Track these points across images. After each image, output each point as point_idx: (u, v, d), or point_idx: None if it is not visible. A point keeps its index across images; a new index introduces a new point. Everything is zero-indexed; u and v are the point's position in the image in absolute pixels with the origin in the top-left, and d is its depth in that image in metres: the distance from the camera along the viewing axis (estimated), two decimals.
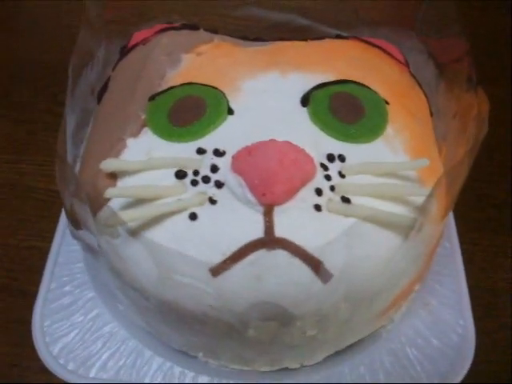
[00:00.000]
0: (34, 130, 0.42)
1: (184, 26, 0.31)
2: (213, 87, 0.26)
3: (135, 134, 0.25)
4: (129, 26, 0.34)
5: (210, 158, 0.23)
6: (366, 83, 0.27)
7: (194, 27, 0.31)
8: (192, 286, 0.22)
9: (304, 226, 0.22)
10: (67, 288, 0.32)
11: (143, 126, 0.26)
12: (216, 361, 0.29)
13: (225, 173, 0.23)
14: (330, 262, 0.22)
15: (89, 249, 0.28)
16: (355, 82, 0.27)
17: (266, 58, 0.28)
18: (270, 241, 0.22)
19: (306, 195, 0.22)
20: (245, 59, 0.28)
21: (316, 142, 0.24)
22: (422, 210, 0.22)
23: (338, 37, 0.31)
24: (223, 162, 0.23)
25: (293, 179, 0.22)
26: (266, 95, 0.26)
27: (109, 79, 0.31)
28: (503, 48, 0.48)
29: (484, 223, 0.37)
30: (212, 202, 0.23)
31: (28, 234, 0.36)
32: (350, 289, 0.23)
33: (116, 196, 0.23)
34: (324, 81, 0.26)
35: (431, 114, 0.30)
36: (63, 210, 0.35)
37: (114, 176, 0.24)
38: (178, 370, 0.29)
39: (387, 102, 0.27)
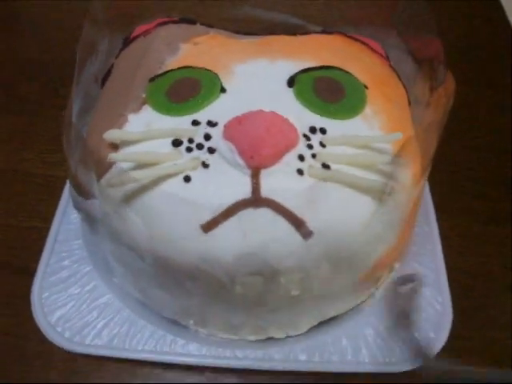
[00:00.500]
0: (35, 121, 0.45)
1: (182, 20, 0.35)
2: (208, 70, 0.30)
3: (136, 110, 0.29)
4: (131, 22, 0.38)
5: (203, 128, 0.27)
6: (348, 70, 0.31)
7: (191, 21, 0.35)
8: (184, 241, 0.25)
9: (287, 188, 0.25)
10: (65, 262, 0.35)
11: (143, 103, 0.29)
12: (205, 329, 0.31)
13: (217, 140, 0.26)
14: (311, 221, 0.25)
15: (89, 219, 0.31)
16: (338, 68, 0.30)
17: (257, 47, 0.32)
18: (256, 200, 0.25)
19: (290, 160, 0.25)
20: (238, 48, 0.32)
21: (300, 116, 0.27)
22: (391, 175, 0.25)
23: (324, 32, 0.35)
24: (216, 131, 0.26)
25: (278, 145, 0.25)
26: (256, 77, 0.29)
27: (112, 66, 0.34)
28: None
29: (463, 211, 0.40)
30: (205, 166, 0.26)
31: (28, 216, 0.39)
32: (330, 247, 0.26)
33: (119, 160, 0.26)
34: (309, 66, 0.30)
35: (409, 103, 0.34)
36: (66, 190, 0.38)
37: (115, 146, 0.28)
38: (169, 338, 0.32)
39: (367, 87, 0.30)
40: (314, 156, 0.26)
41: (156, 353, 0.31)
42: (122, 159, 0.26)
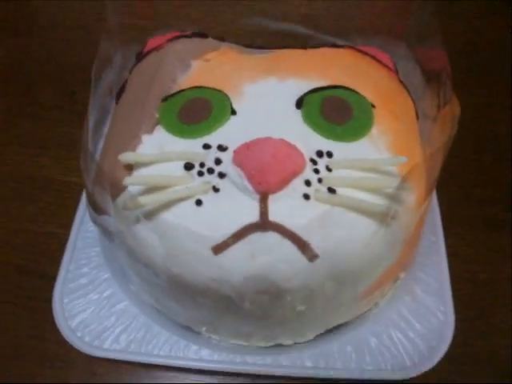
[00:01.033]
0: (52, 126, 0.47)
1: (194, 34, 0.36)
2: (218, 90, 0.31)
3: (149, 131, 0.30)
4: (144, 32, 0.39)
5: (214, 152, 0.28)
6: (356, 88, 0.32)
7: (203, 35, 0.36)
8: (196, 261, 0.27)
9: (294, 212, 0.27)
10: (85, 269, 0.37)
11: (156, 124, 0.31)
12: (217, 335, 0.34)
13: (227, 165, 0.28)
14: (316, 244, 0.27)
15: (106, 232, 0.33)
16: (345, 88, 0.31)
17: (266, 64, 0.33)
18: (264, 224, 0.26)
19: (297, 185, 0.27)
20: (248, 66, 0.33)
21: (307, 139, 0.29)
22: (396, 199, 0.27)
23: (334, 46, 0.36)
24: (226, 156, 0.28)
25: (285, 171, 0.26)
26: (265, 98, 0.31)
27: (126, 81, 0.36)
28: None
29: (471, 219, 0.41)
30: (215, 190, 0.27)
31: (46, 221, 0.41)
32: (334, 268, 0.27)
33: (133, 184, 0.28)
34: (317, 86, 0.31)
35: (417, 117, 0.35)
36: (83, 197, 0.41)
37: (130, 167, 0.29)
38: (183, 343, 0.34)
39: (374, 106, 0.31)
40: (320, 180, 0.28)
41: (170, 357, 0.34)
42: (136, 183, 0.28)
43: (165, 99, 0.32)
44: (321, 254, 0.27)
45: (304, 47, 0.36)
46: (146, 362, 0.34)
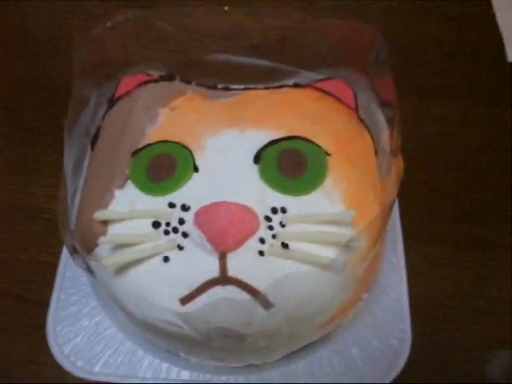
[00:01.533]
0: (39, 152, 0.50)
1: (162, 78, 0.39)
2: (182, 145, 0.34)
3: (121, 186, 0.34)
4: (116, 71, 0.41)
5: (178, 212, 0.32)
6: (313, 137, 0.34)
7: (170, 77, 0.39)
8: (166, 311, 0.31)
9: (250, 268, 0.30)
10: (74, 298, 0.41)
11: (127, 179, 0.34)
12: (195, 358, 0.38)
13: (189, 226, 0.31)
14: (271, 295, 0.30)
15: (87, 271, 0.37)
16: (302, 138, 0.34)
17: (228, 112, 0.36)
18: (223, 279, 0.30)
19: (252, 244, 0.30)
20: (211, 114, 0.36)
21: (262, 196, 0.32)
22: (347, 249, 0.30)
23: (296, 85, 0.38)
24: (188, 216, 0.31)
25: (240, 233, 0.30)
26: (226, 153, 0.34)
27: (99, 128, 0.38)
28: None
29: (435, 237, 0.44)
30: (180, 248, 0.31)
31: (37, 251, 0.45)
32: (288, 313, 0.31)
33: (106, 243, 0.32)
34: (275, 137, 0.34)
35: (376, 153, 0.38)
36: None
37: (105, 222, 0.33)
38: (165, 365, 0.38)
39: (329, 154, 0.34)
40: (274, 236, 0.31)
41: (155, 379, 0.38)
42: (109, 242, 0.32)
43: (134, 153, 0.35)
44: (276, 303, 0.30)
45: (266, 88, 0.38)
46: (134, 383, 0.38)
